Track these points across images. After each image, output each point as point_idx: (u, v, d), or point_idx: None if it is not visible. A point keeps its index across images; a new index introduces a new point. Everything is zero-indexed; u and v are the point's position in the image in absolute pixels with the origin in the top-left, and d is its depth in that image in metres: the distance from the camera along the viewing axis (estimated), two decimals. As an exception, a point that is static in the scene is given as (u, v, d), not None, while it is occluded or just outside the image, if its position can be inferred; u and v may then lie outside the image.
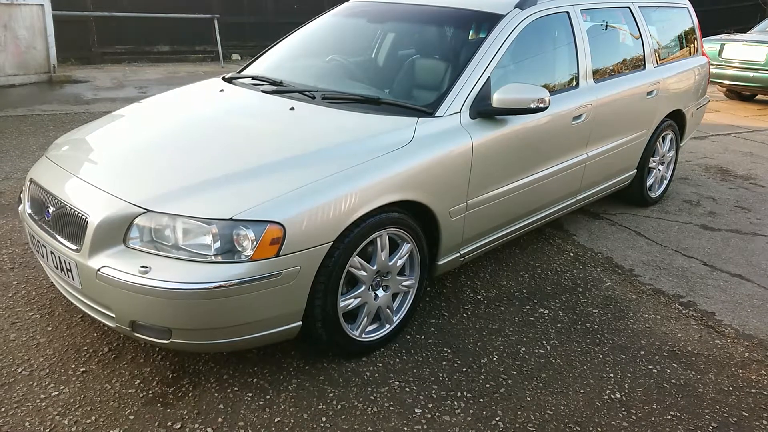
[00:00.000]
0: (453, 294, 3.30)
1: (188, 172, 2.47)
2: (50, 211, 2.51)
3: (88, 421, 2.26)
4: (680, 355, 2.86)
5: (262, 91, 3.28)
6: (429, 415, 2.38)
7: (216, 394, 2.44)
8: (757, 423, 2.45)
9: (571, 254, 3.87)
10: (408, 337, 2.88)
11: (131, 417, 2.30)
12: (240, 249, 2.21)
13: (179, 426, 2.27)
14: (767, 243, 4.20)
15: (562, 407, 2.47)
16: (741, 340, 3.02)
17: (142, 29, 11.71)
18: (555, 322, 3.08)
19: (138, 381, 2.49)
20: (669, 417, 2.45)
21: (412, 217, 2.69)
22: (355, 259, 2.51)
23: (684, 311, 3.26)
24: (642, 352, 2.86)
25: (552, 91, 3.36)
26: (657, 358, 2.83)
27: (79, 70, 10.26)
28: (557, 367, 2.73)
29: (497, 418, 2.39)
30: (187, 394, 2.44)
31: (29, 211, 2.69)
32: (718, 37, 9.63)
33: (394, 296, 2.80)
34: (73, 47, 10.80)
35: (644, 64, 4.27)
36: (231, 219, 2.21)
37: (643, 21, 4.31)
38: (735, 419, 2.46)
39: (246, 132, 2.81)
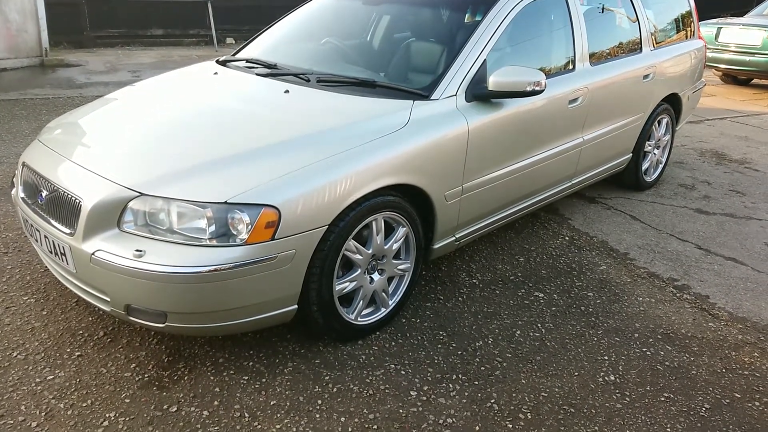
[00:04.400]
0: (448, 278, 3.30)
1: (182, 155, 2.46)
2: (43, 194, 2.49)
3: (84, 405, 2.26)
4: (674, 338, 2.88)
5: (257, 74, 3.25)
6: (424, 398, 2.39)
7: (212, 378, 2.45)
8: (750, 404, 2.47)
9: (567, 238, 3.88)
10: (403, 320, 2.88)
11: (127, 400, 2.30)
12: (235, 232, 2.20)
13: (175, 409, 2.27)
14: (761, 227, 4.22)
15: (557, 389, 2.49)
16: (734, 322, 3.04)
17: (135, 13, 11.60)
18: (550, 306, 3.09)
19: (133, 365, 2.49)
20: (662, 399, 2.47)
21: (407, 201, 2.69)
22: (351, 243, 2.51)
23: (678, 294, 3.27)
24: (636, 335, 2.88)
25: (548, 74, 3.34)
26: (651, 340, 2.85)
27: (72, 54, 10.17)
28: (552, 349, 2.74)
29: (492, 401, 2.40)
30: (182, 377, 2.44)
31: (22, 195, 2.68)
32: (714, 20, 9.58)
33: (390, 280, 2.80)
34: (65, 31, 10.69)
35: (641, 48, 4.25)
36: (226, 202, 2.20)
37: (640, 4, 4.29)
38: (727, 401, 2.48)
39: (240, 115, 2.79)
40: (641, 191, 4.77)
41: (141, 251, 2.18)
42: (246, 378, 2.45)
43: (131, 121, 2.84)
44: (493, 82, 2.87)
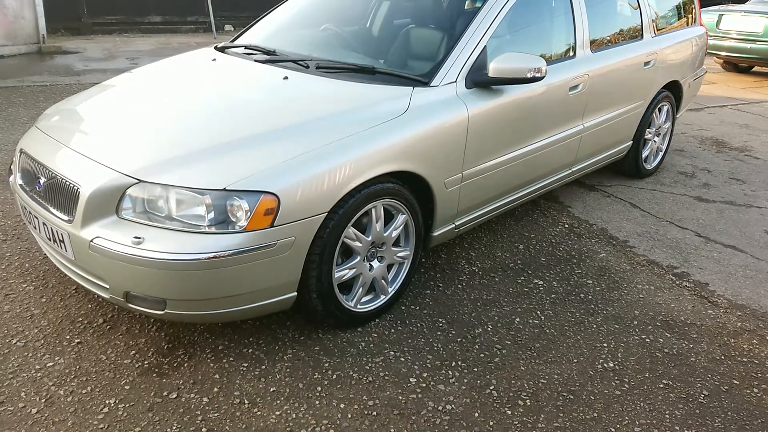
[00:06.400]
0: (448, 265, 3.30)
1: (181, 142, 2.44)
2: (41, 182, 2.48)
3: (84, 392, 2.27)
4: (673, 325, 2.88)
5: (255, 61, 3.23)
6: (424, 385, 2.40)
7: (211, 365, 2.45)
8: (748, 391, 2.48)
9: (566, 226, 3.88)
10: (403, 307, 2.88)
11: (127, 387, 2.30)
12: (234, 219, 2.19)
13: (175, 396, 2.28)
14: (761, 214, 4.21)
15: (556, 376, 2.49)
16: (733, 310, 3.04)
17: (132, -1, 11.53)
18: (549, 293, 3.09)
19: (133, 352, 2.50)
20: (661, 385, 2.48)
21: (407, 188, 2.68)
22: (350, 230, 2.50)
23: (677, 282, 3.27)
24: (635, 322, 2.88)
25: (549, 60, 3.33)
26: (650, 327, 2.85)
27: (69, 41, 10.11)
28: (551, 337, 2.75)
29: (491, 387, 2.41)
30: (182, 364, 2.44)
31: (20, 182, 2.67)
32: (716, 7, 9.53)
33: (389, 267, 2.80)
34: (62, 17, 10.62)
35: (642, 34, 4.22)
36: (224, 189, 2.19)
37: (642, -10, 4.26)
38: (726, 387, 2.49)
39: (239, 102, 2.77)
40: (641, 179, 4.76)
41: (140, 238, 2.17)
42: (245, 365, 2.46)
43: (129, 108, 2.82)
44: (494, 68, 2.85)
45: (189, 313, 2.30)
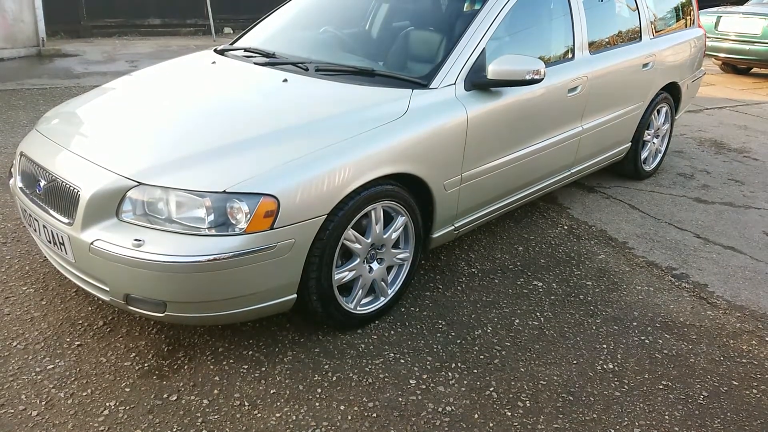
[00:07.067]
0: (447, 267, 3.31)
1: (180, 144, 2.45)
2: (41, 184, 2.48)
3: (84, 394, 2.27)
4: (672, 326, 2.89)
5: (255, 63, 3.24)
6: (423, 386, 2.40)
7: (211, 367, 2.45)
8: (747, 392, 2.48)
9: (565, 227, 3.88)
10: (402, 309, 2.89)
11: (127, 389, 2.31)
12: (234, 222, 2.20)
13: (175, 398, 2.28)
14: (760, 215, 4.22)
15: (556, 378, 2.50)
16: (733, 311, 3.05)
17: (132, 2, 11.51)
18: (549, 295, 3.09)
19: (133, 354, 2.50)
20: (661, 387, 2.48)
21: (406, 190, 2.68)
22: (350, 232, 2.51)
23: (677, 283, 3.28)
24: (635, 324, 2.89)
25: (547, 62, 3.34)
26: (649, 329, 2.86)
27: (69, 44, 10.11)
28: (551, 338, 2.75)
29: (491, 389, 2.41)
30: (182, 366, 2.45)
31: (21, 184, 2.67)
32: (714, 9, 9.55)
33: (389, 269, 2.80)
34: (61, 20, 10.62)
35: (640, 36, 4.23)
36: (224, 192, 2.19)
37: (640, -8, 4.27)
38: (725, 388, 2.50)
39: (239, 104, 2.78)
40: (640, 180, 4.77)
41: (140, 240, 2.18)
42: (246, 367, 2.46)
43: (129, 111, 2.83)
44: (492, 70, 2.86)
45: (189, 315, 2.31)
